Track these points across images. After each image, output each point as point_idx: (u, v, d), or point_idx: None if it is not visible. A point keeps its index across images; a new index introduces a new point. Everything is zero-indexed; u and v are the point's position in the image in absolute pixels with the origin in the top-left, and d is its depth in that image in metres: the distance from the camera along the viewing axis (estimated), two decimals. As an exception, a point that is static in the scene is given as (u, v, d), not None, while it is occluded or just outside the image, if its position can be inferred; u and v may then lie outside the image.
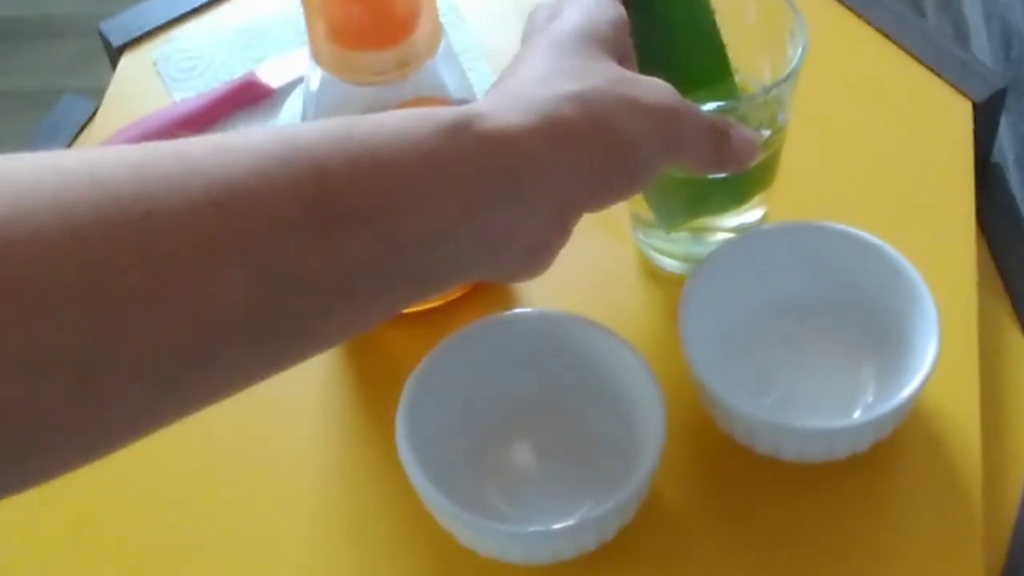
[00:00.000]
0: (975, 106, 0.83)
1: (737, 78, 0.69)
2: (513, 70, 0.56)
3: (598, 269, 0.77)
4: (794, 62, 0.66)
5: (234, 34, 0.92)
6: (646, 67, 0.68)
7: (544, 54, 0.56)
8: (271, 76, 0.88)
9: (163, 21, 0.94)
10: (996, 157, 0.87)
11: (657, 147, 0.55)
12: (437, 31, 0.64)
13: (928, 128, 0.83)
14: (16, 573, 0.67)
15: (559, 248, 0.55)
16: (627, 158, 0.54)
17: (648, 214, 0.73)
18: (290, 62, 0.89)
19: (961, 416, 0.69)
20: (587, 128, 0.53)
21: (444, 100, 0.66)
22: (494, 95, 0.54)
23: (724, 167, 0.60)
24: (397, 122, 0.49)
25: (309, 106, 0.67)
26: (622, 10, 0.60)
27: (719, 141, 0.59)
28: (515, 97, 0.53)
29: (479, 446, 0.67)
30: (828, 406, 0.68)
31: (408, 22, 0.62)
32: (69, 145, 0.88)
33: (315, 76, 0.65)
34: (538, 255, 0.54)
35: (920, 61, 0.85)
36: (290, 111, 0.85)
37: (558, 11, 0.59)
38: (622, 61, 0.58)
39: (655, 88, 0.56)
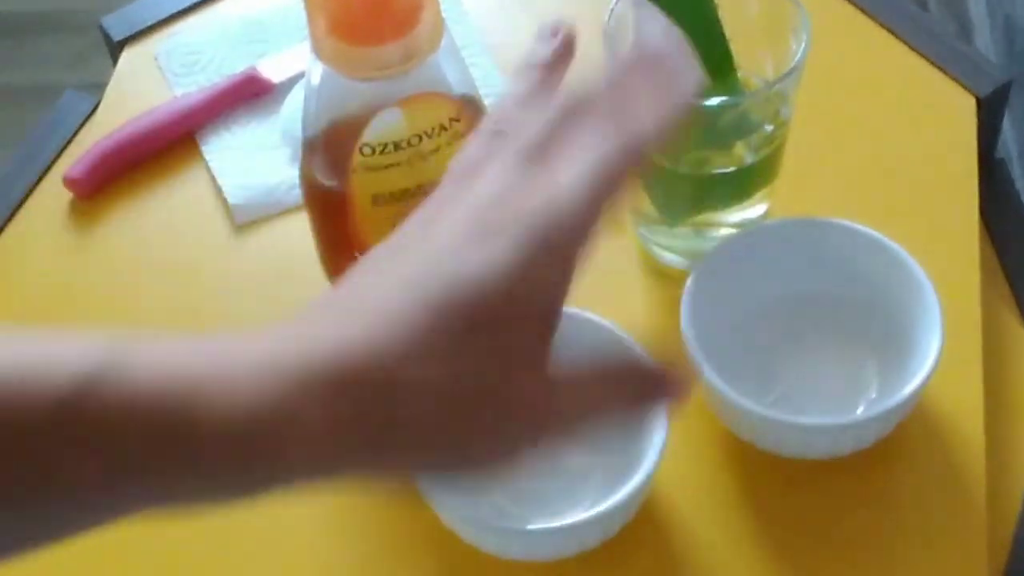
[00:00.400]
0: (979, 101, 0.82)
1: (740, 73, 0.69)
2: (366, 270, 0.47)
3: (599, 264, 0.75)
4: (797, 57, 0.66)
5: (235, 29, 0.92)
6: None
7: (409, 259, 0.46)
8: (272, 71, 0.88)
9: (164, 16, 0.93)
10: (1000, 152, 0.87)
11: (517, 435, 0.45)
12: (439, 25, 0.64)
13: (932, 123, 0.82)
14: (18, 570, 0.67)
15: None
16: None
17: (650, 209, 0.73)
18: (291, 57, 0.88)
19: (965, 411, 0.68)
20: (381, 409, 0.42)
21: (446, 95, 0.65)
22: (293, 325, 0.44)
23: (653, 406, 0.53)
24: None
25: (310, 101, 0.66)
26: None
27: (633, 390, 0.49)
28: (319, 324, 0.44)
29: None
30: (831, 402, 0.68)
31: (410, 16, 0.62)
32: (70, 140, 0.88)
33: (316, 71, 0.65)
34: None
35: (924, 56, 0.85)
36: (291, 106, 0.84)
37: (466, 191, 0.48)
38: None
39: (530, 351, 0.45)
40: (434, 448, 0.44)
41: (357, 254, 0.69)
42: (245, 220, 0.81)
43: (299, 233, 0.74)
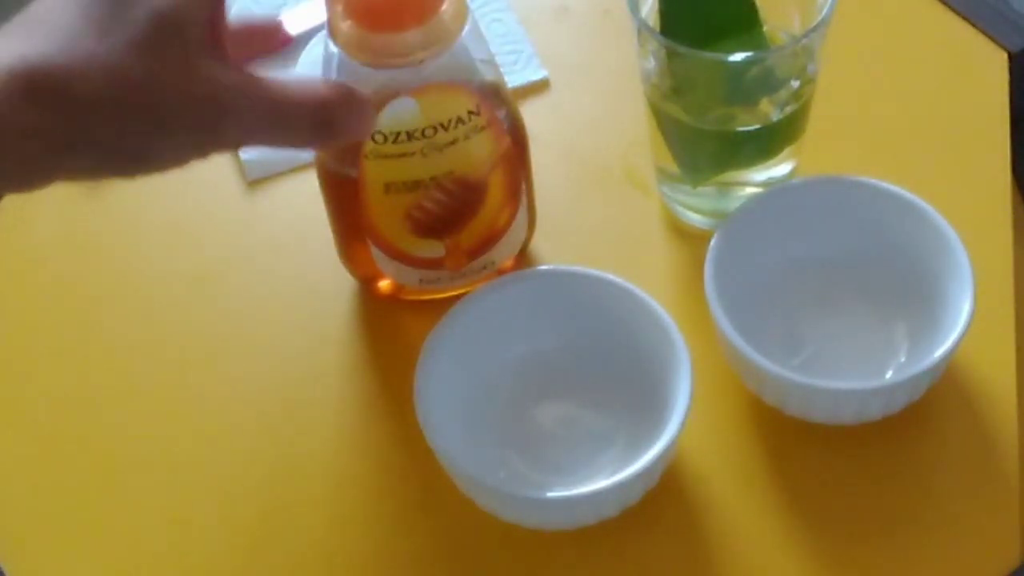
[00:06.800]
0: (1010, 56, 0.81)
1: (766, 28, 0.68)
2: None
3: (622, 224, 0.76)
4: (824, 11, 0.65)
5: (251, -19, 0.91)
6: (671, 16, 0.67)
7: None
8: (291, 23, 0.87)
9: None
10: (1032, 109, 0.85)
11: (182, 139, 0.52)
12: (463, 10, 0.61)
13: (962, 79, 0.81)
14: (21, 565, 0.67)
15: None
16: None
17: (674, 168, 0.72)
18: (310, 8, 0.87)
19: (996, 376, 0.67)
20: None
21: (465, 86, 0.62)
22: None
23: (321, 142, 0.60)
24: None
25: (327, 77, 0.64)
26: None
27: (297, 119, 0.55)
28: (11, 35, 0.49)
29: (500, 407, 0.66)
30: (859, 366, 0.67)
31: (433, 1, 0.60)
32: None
33: (333, 50, 0.62)
34: None
35: (954, 10, 0.84)
36: (309, 59, 0.83)
37: None
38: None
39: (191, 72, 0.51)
40: (115, 153, 0.51)
41: (370, 241, 0.68)
42: (257, 176, 0.80)
43: (311, 191, 0.73)
